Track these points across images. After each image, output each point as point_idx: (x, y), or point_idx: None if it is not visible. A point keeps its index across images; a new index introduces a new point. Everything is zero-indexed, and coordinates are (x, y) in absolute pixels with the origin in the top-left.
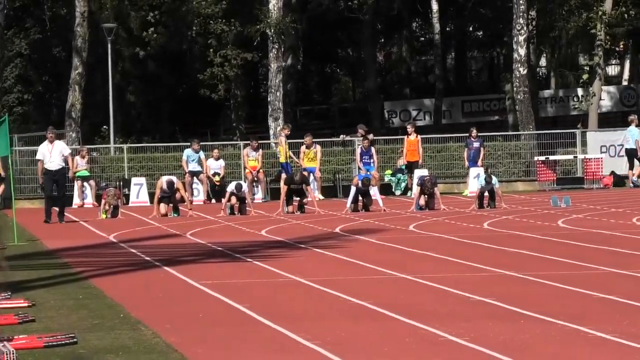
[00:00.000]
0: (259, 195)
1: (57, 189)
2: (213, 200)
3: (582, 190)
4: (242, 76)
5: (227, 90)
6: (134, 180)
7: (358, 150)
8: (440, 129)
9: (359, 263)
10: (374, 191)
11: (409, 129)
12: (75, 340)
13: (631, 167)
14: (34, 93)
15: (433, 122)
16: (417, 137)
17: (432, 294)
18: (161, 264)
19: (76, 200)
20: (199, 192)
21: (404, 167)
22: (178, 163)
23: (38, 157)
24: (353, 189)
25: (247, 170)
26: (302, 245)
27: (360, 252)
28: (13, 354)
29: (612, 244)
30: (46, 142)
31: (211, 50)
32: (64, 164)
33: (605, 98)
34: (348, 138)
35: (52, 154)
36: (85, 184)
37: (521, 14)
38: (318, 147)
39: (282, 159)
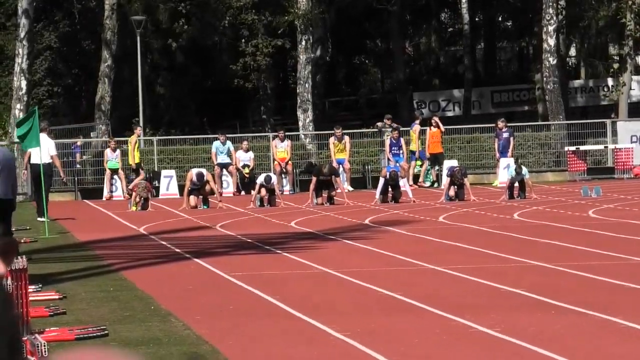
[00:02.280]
0: (287, 187)
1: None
2: (242, 192)
3: (613, 180)
4: (272, 67)
5: (258, 79)
6: (163, 172)
7: (387, 142)
8: (470, 120)
9: (389, 254)
10: (404, 182)
11: (433, 121)
12: (106, 332)
13: None
14: (64, 86)
15: (462, 113)
16: (439, 129)
17: (462, 285)
18: (191, 256)
19: (106, 193)
20: (229, 184)
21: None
22: (207, 155)
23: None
24: (382, 181)
25: (275, 162)
26: (332, 237)
27: (389, 243)
28: (44, 346)
29: None
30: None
31: (242, 40)
32: (50, 160)
33: (635, 88)
34: (381, 124)
35: (46, 149)
36: (115, 176)
37: (550, 3)
38: (347, 139)
39: (412, 147)
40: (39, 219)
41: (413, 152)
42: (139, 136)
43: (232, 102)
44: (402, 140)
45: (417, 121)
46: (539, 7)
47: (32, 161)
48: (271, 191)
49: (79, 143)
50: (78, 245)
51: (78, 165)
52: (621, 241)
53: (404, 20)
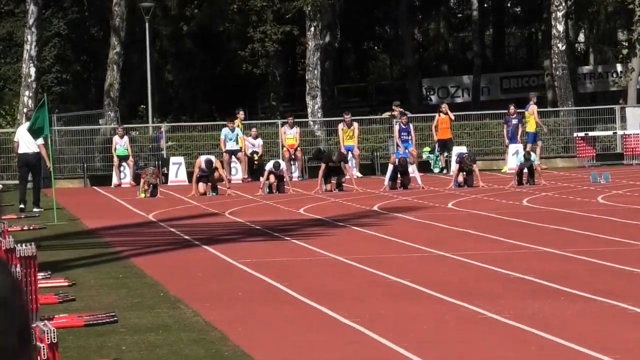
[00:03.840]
0: (296, 174)
1: (32, 174)
2: (251, 179)
3: (622, 166)
4: (281, 54)
5: (267, 65)
6: (172, 159)
7: (396, 127)
8: (479, 106)
9: (398, 241)
10: (412, 169)
11: (443, 107)
12: (115, 319)
13: None
14: (72, 73)
15: (471, 99)
16: (448, 115)
17: (471, 271)
18: (200, 243)
19: (114, 180)
20: (237, 171)
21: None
22: (216, 142)
23: (16, 138)
24: (390, 167)
25: (284, 149)
26: (340, 224)
27: (398, 230)
28: (53, 332)
29: None
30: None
31: (251, 26)
32: (38, 149)
33: None
34: (386, 115)
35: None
36: (123, 163)
37: None
38: (355, 125)
39: (530, 128)
40: (34, 209)
41: (529, 133)
42: (242, 120)
43: (240, 89)
44: (411, 126)
45: (532, 101)
46: None
47: (20, 151)
48: (280, 178)
49: (162, 129)
50: (87, 232)
51: (162, 152)
52: (631, 227)
53: (413, 6)
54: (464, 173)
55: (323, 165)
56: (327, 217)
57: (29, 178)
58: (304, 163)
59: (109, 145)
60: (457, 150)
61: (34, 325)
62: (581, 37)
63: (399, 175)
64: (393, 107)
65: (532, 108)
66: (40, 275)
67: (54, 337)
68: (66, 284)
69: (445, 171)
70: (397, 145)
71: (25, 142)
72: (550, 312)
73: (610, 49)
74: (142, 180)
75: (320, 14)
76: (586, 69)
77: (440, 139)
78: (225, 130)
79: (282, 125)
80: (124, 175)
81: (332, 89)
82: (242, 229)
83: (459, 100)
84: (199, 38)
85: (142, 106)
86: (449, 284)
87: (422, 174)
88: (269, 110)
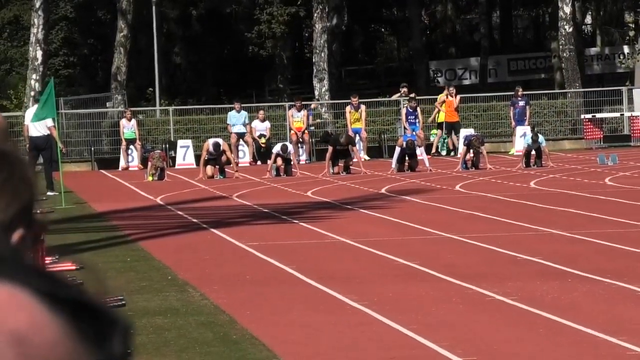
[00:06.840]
0: (304, 157)
1: (42, 157)
2: (259, 162)
3: (629, 147)
4: (288, 36)
5: (274, 47)
6: (180, 142)
7: (404, 111)
8: (486, 88)
9: (406, 223)
10: (420, 151)
11: (451, 90)
12: (123, 302)
13: None
14: (80, 56)
15: (479, 81)
16: (454, 98)
17: (479, 253)
18: (208, 226)
19: (122, 163)
20: (245, 154)
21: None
22: (224, 125)
23: (26, 122)
24: (397, 150)
25: (292, 132)
26: (348, 206)
27: (406, 212)
28: None
29: None
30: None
31: (257, 8)
32: (48, 132)
33: None
34: (395, 97)
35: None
36: (131, 146)
37: None
38: (363, 107)
39: None
40: (48, 193)
41: None
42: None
43: (248, 71)
44: (419, 109)
45: None
46: None
47: (30, 134)
48: (287, 161)
49: (312, 105)
50: (95, 215)
51: (312, 128)
52: (638, 208)
53: None
54: (472, 155)
55: (331, 148)
56: (335, 199)
57: (38, 162)
58: (311, 146)
59: (117, 129)
60: (464, 132)
61: None
62: (588, 19)
63: (406, 158)
64: (400, 89)
65: None
66: (48, 259)
67: None
68: (74, 267)
69: (452, 153)
70: (405, 128)
71: (35, 125)
72: (558, 294)
73: (617, 31)
74: (149, 164)
75: None
76: (593, 50)
77: (447, 121)
78: (231, 114)
79: (290, 108)
80: (131, 159)
81: (339, 71)
82: (249, 212)
83: (466, 82)
84: (206, 21)
85: (149, 89)
86: (457, 266)
87: (429, 156)
88: (276, 93)
